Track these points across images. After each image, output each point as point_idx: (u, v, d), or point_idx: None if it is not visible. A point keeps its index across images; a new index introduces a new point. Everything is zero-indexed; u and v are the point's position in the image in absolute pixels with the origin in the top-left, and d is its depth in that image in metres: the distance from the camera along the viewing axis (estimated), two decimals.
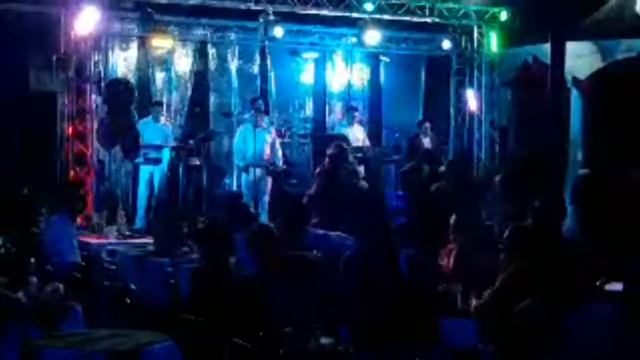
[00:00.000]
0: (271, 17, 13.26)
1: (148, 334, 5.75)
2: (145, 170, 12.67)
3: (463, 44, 15.04)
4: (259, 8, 13.15)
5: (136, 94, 13.53)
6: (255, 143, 12.51)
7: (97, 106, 12.71)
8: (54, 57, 12.32)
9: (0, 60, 12.12)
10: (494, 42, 14.67)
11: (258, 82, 15.25)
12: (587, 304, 5.17)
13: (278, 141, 13.12)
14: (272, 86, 15.33)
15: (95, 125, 12.43)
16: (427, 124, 14.90)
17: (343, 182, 10.66)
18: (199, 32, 14.41)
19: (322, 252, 7.35)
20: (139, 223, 12.36)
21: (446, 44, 14.97)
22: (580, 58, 13.29)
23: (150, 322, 6.45)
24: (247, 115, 13.29)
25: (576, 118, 13.80)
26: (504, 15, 14.37)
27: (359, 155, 13.47)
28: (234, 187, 13.19)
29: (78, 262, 8.47)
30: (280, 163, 12.96)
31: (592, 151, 12.88)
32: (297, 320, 5.81)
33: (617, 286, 6.15)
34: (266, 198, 12.61)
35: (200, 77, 14.92)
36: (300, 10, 13.30)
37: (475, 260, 6.79)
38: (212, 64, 14.97)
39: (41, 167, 12.08)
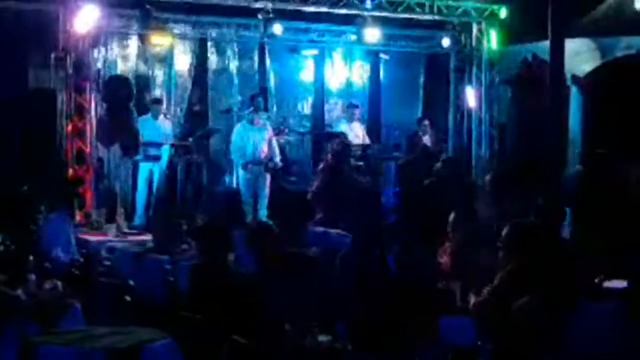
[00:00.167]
0: (270, 14, 13.25)
1: (147, 331, 5.76)
2: (144, 168, 12.67)
3: (462, 41, 15.02)
4: (258, 5, 13.14)
5: (135, 91, 13.52)
6: (253, 140, 12.53)
7: (96, 104, 12.69)
8: (53, 55, 12.31)
9: None
10: (493, 39, 14.64)
11: (257, 79, 15.24)
12: (586, 302, 5.17)
13: (275, 138, 13.13)
14: (272, 83, 15.32)
15: (95, 122, 12.42)
16: (426, 122, 14.89)
17: (346, 179, 10.68)
18: (198, 30, 14.38)
19: (321, 249, 7.36)
20: (138, 220, 12.37)
21: (445, 42, 14.94)
22: (580, 56, 13.30)
23: (149, 319, 6.45)
24: (245, 113, 13.29)
25: (575, 115, 13.82)
26: (503, 13, 14.34)
27: (359, 152, 13.49)
28: (233, 185, 13.20)
29: (76, 259, 8.49)
30: (278, 160, 12.96)
31: (591, 149, 12.88)
32: (295, 317, 5.82)
33: (615, 283, 6.17)
34: (265, 195, 12.61)
35: (199, 75, 14.90)
36: (300, 8, 13.28)
37: (474, 258, 6.80)
38: (211, 61, 14.96)
39: (40, 165, 12.06)
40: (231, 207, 8.83)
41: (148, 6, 12.79)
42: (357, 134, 14.16)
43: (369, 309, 5.92)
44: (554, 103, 12.30)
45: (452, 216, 7.42)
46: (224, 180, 13.62)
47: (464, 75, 15.13)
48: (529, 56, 14.15)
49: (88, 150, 12.19)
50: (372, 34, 13.97)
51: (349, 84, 16.00)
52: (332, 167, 10.82)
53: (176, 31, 14.11)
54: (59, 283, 6.75)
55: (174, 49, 14.58)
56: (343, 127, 14.34)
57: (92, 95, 12.49)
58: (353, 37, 14.81)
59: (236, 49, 15.05)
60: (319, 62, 15.81)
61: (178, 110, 14.61)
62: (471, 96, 14.96)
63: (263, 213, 12.27)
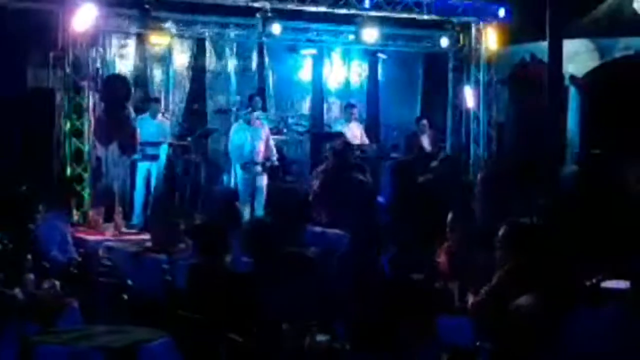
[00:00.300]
0: (269, 14, 13.25)
1: (145, 331, 5.76)
2: (142, 167, 12.66)
3: (461, 41, 15.03)
4: (256, 5, 13.14)
5: (133, 90, 13.50)
6: (251, 140, 12.53)
7: (94, 103, 12.68)
8: (51, 54, 12.31)
9: None
10: (491, 39, 14.64)
11: (256, 79, 15.24)
12: (584, 302, 5.17)
13: (272, 138, 13.13)
14: (270, 83, 15.32)
15: (93, 122, 12.41)
16: (425, 122, 14.90)
17: (346, 179, 10.67)
18: (196, 29, 14.38)
19: (319, 249, 7.36)
20: (136, 219, 12.36)
21: (444, 41, 14.96)
22: (578, 56, 13.32)
23: (147, 318, 6.44)
24: (243, 112, 13.28)
25: (573, 116, 13.83)
26: (501, 13, 14.35)
27: (357, 152, 13.47)
28: (231, 184, 13.19)
29: (74, 258, 8.48)
30: (275, 159, 12.97)
31: (589, 149, 12.90)
32: (293, 317, 5.81)
33: (613, 284, 6.17)
34: (262, 195, 12.61)
35: (197, 74, 14.90)
36: (298, 7, 13.28)
37: (472, 258, 6.80)
38: (209, 61, 14.95)
39: (39, 164, 12.06)
40: (228, 206, 8.81)
41: (146, 6, 12.80)
42: (355, 133, 14.16)
43: (366, 309, 5.92)
44: (552, 103, 12.30)
45: (450, 216, 7.42)
46: (222, 179, 13.61)
47: (462, 75, 15.14)
48: (527, 56, 14.16)
49: (86, 149, 12.18)
50: (371, 34, 13.98)
51: (347, 84, 16.01)
52: (333, 167, 10.82)
53: (174, 31, 14.10)
54: (57, 282, 6.75)
55: (173, 48, 14.58)
56: (341, 127, 14.34)
57: (91, 95, 12.47)
58: (351, 37, 14.81)
59: (234, 49, 15.06)
60: (318, 61, 15.81)
61: (176, 109, 14.61)
62: (469, 96, 14.96)
63: (260, 213, 12.27)
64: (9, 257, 6.86)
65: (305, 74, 15.79)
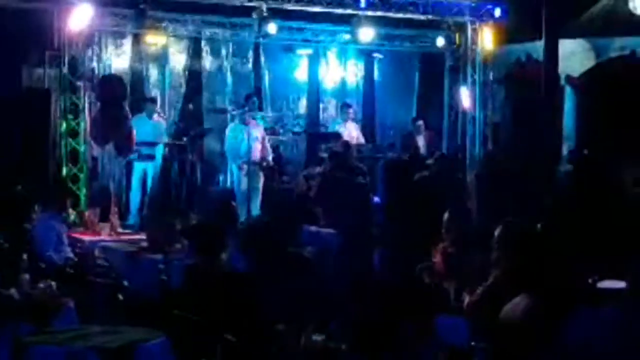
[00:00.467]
0: (265, 14, 13.23)
1: (141, 331, 5.74)
2: (138, 167, 12.66)
3: (457, 41, 15.01)
4: (252, 4, 13.11)
5: (129, 90, 13.48)
6: (247, 140, 12.52)
7: (90, 103, 12.67)
8: (47, 54, 12.28)
9: None
10: (487, 39, 14.63)
11: (252, 78, 15.23)
12: (582, 302, 5.17)
13: (268, 138, 13.13)
14: (266, 83, 15.31)
15: (89, 121, 12.39)
16: (420, 122, 14.91)
17: (343, 181, 10.68)
18: (192, 29, 14.36)
19: (314, 248, 7.36)
20: (132, 219, 12.35)
21: (440, 41, 14.94)
22: (574, 56, 13.34)
23: (143, 318, 6.44)
24: (239, 112, 13.27)
25: (569, 115, 13.85)
26: (497, 13, 14.34)
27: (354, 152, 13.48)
28: (227, 184, 13.19)
29: (70, 258, 8.48)
30: (271, 159, 12.97)
31: (585, 149, 12.92)
32: (289, 317, 5.81)
33: (609, 284, 6.17)
34: (259, 195, 12.61)
35: (193, 74, 14.89)
36: (294, 7, 13.27)
37: (468, 258, 6.80)
38: (205, 61, 14.94)
39: (35, 164, 12.04)
40: (225, 206, 8.80)
41: (142, 5, 12.76)
42: (351, 133, 14.16)
43: (363, 309, 5.92)
44: (548, 103, 12.34)
45: (445, 216, 7.42)
46: (217, 179, 13.61)
47: (458, 75, 15.12)
48: (523, 56, 14.17)
49: (82, 149, 12.16)
50: (366, 34, 13.96)
51: (343, 84, 16.01)
52: (330, 170, 10.85)
53: (170, 30, 14.09)
54: (53, 283, 6.73)
55: (169, 48, 14.56)
56: (337, 126, 14.35)
57: (86, 95, 12.46)
58: (347, 37, 14.80)
59: (231, 49, 15.04)
60: (314, 61, 15.80)
61: (172, 109, 14.59)
62: (465, 96, 14.95)
63: (257, 212, 12.27)
64: (4, 257, 6.84)
65: (301, 73, 15.79)
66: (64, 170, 11.97)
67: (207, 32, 14.51)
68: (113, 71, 13.93)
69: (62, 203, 9.52)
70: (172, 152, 13.10)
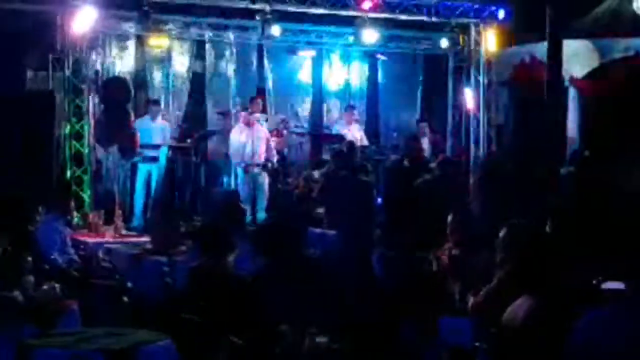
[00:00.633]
0: (268, 16, 13.23)
1: (145, 333, 5.74)
2: (142, 169, 12.68)
3: (460, 42, 15.01)
4: (256, 7, 13.12)
5: (133, 92, 13.51)
6: (251, 142, 12.53)
7: (94, 105, 12.68)
8: (51, 56, 12.30)
9: None
10: (491, 40, 14.62)
11: (255, 80, 15.23)
12: (585, 303, 5.16)
13: (272, 139, 13.14)
14: (270, 85, 15.32)
15: (93, 124, 12.41)
16: (424, 124, 14.90)
17: (349, 180, 10.67)
18: (196, 31, 14.37)
19: (319, 250, 7.36)
20: (136, 222, 12.37)
21: (444, 43, 14.94)
22: (578, 57, 13.30)
23: (147, 320, 6.44)
24: (243, 114, 13.28)
25: (573, 117, 13.81)
26: (501, 14, 14.33)
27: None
28: (232, 186, 13.20)
29: (74, 260, 8.48)
30: (275, 161, 12.98)
31: (587, 149, 12.89)
32: (294, 318, 5.80)
33: (613, 285, 6.15)
34: (264, 196, 12.62)
35: (197, 76, 14.90)
36: (298, 9, 13.27)
37: (473, 259, 6.80)
38: (209, 63, 14.95)
39: (38, 167, 12.05)
40: (231, 208, 8.80)
41: (146, 8, 12.78)
42: (355, 135, 14.17)
43: (364, 310, 5.92)
44: (552, 104, 12.31)
45: (450, 217, 7.41)
46: (221, 181, 13.62)
47: (462, 76, 15.12)
48: (527, 57, 14.14)
49: (86, 151, 12.17)
50: (370, 35, 13.95)
51: (347, 85, 16.02)
52: (333, 170, 10.86)
53: (174, 33, 14.10)
54: (57, 285, 6.73)
55: (172, 50, 14.58)
56: (341, 128, 14.35)
57: (90, 97, 12.48)
58: (351, 39, 14.80)
59: (234, 51, 15.05)
60: (317, 63, 15.81)
61: (176, 111, 14.60)
62: (469, 97, 14.95)
63: (261, 215, 12.29)
64: (8, 260, 6.84)
65: (304, 75, 15.79)
66: (68, 173, 11.99)
67: (210, 34, 14.52)
68: (117, 73, 13.96)
69: (66, 205, 9.52)
70: (176, 154, 13.13)
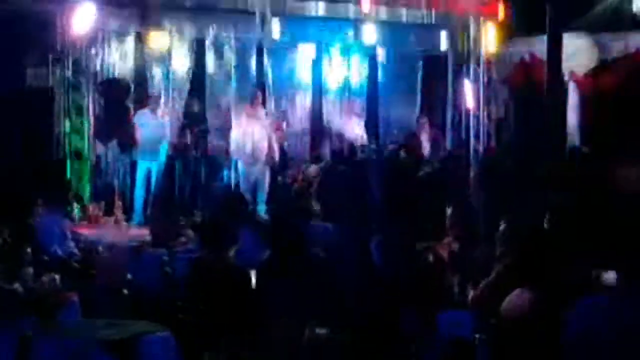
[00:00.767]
0: (268, 14, 13.24)
1: (144, 324, 5.77)
2: (142, 165, 12.67)
3: (460, 39, 15.01)
4: (256, 4, 13.12)
5: (133, 90, 13.50)
6: (253, 136, 12.54)
7: (94, 103, 12.69)
8: (51, 54, 12.30)
9: None
10: (491, 37, 14.63)
11: (255, 77, 15.22)
12: (582, 296, 5.16)
13: (274, 134, 13.15)
14: (270, 81, 15.30)
15: (92, 120, 12.42)
16: (424, 120, 14.90)
17: (349, 174, 10.69)
18: (196, 29, 14.35)
19: (321, 244, 7.36)
20: (136, 218, 12.35)
21: (443, 40, 14.95)
22: (578, 53, 13.33)
23: (147, 312, 6.45)
24: (243, 110, 13.28)
25: (573, 113, 13.83)
26: (501, 11, 14.34)
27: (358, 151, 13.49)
28: (232, 181, 13.21)
29: (74, 252, 8.50)
30: (277, 156, 12.99)
31: (585, 145, 12.92)
32: (295, 310, 5.81)
33: (612, 277, 6.16)
34: (264, 191, 12.63)
35: (197, 74, 14.88)
36: (298, 6, 13.27)
37: (472, 253, 6.81)
38: (209, 60, 14.93)
39: (38, 163, 12.06)
40: (232, 203, 8.83)
41: (146, 5, 12.79)
42: (354, 130, 14.17)
43: (363, 301, 5.93)
44: (552, 101, 12.33)
45: (450, 210, 7.43)
46: (221, 176, 13.62)
47: (461, 73, 15.12)
48: (526, 55, 14.16)
49: (86, 147, 12.18)
50: (370, 33, 13.96)
51: (346, 82, 15.99)
52: (332, 164, 10.88)
53: (174, 31, 14.10)
54: (57, 276, 6.74)
55: (172, 48, 14.55)
56: (340, 122, 14.36)
57: (90, 94, 12.48)
58: (351, 35, 14.79)
59: (234, 48, 15.02)
60: (317, 60, 15.80)
61: (176, 108, 14.58)
62: (469, 94, 14.95)
63: (262, 208, 12.30)
64: (8, 252, 6.86)
65: (304, 72, 15.78)
66: (68, 167, 11.99)
67: (210, 32, 14.50)
68: (116, 71, 13.92)
69: (65, 198, 9.54)
70: (176, 151, 13.11)
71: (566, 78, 13.29)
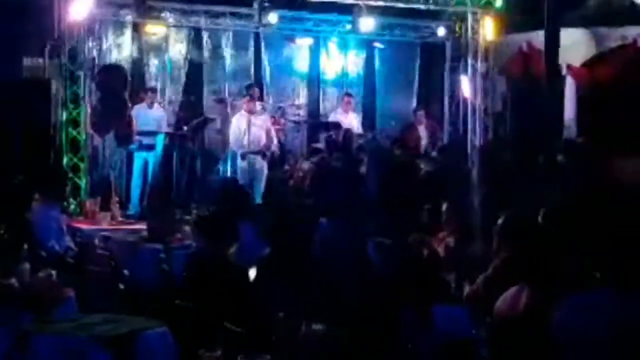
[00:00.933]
0: (265, 4, 13.21)
1: (141, 320, 5.76)
2: (139, 157, 12.67)
3: (458, 30, 14.98)
4: None
5: (130, 80, 13.47)
6: (251, 129, 12.52)
7: (90, 92, 12.67)
8: (48, 44, 12.27)
9: None
10: (488, 28, 14.59)
11: (252, 68, 15.20)
12: (578, 292, 5.17)
13: (273, 127, 13.13)
14: (267, 73, 15.28)
15: (89, 111, 12.40)
16: (421, 112, 14.88)
17: (343, 171, 10.68)
18: (192, 19, 14.33)
19: (318, 239, 7.36)
20: (132, 209, 12.38)
21: (441, 31, 14.92)
22: (575, 45, 13.29)
23: (144, 307, 6.45)
24: (240, 102, 13.27)
25: (570, 105, 13.80)
26: (499, 2, 14.31)
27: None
28: (229, 174, 13.20)
29: (70, 247, 8.48)
30: (276, 149, 12.98)
31: (580, 137, 12.91)
32: (291, 306, 5.80)
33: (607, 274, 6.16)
34: (261, 184, 12.62)
35: (194, 64, 14.86)
36: None
37: (469, 248, 6.81)
38: (206, 50, 14.91)
39: (35, 154, 12.04)
40: (230, 195, 8.81)
41: None
42: (351, 123, 14.16)
43: (359, 297, 5.93)
44: (549, 93, 12.31)
45: (446, 205, 7.42)
46: (218, 169, 13.61)
47: (459, 64, 15.09)
48: (524, 46, 14.12)
49: (83, 138, 12.16)
50: (368, 23, 13.93)
51: (344, 73, 15.97)
52: (325, 157, 10.86)
53: (171, 20, 14.08)
54: (53, 272, 6.74)
55: (169, 38, 14.54)
56: (338, 116, 14.34)
57: (87, 84, 12.46)
58: (348, 27, 14.76)
59: (231, 38, 15.00)
60: (314, 51, 15.77)
61: (173, 99, 14.57)
62: (466, 85, 14.93)
63: (259, 201, 12.28)
64: (5, 247, 6.84)
65: (301, 63, 15.75)
66: (65, 160, 11.98)
67: (207, 22, 14.47)
68: (113, 61, 13.92)
69: (62, 192, 9.52)
70: (172, 142, 13.11)
71: (563, 72, 13.25)
